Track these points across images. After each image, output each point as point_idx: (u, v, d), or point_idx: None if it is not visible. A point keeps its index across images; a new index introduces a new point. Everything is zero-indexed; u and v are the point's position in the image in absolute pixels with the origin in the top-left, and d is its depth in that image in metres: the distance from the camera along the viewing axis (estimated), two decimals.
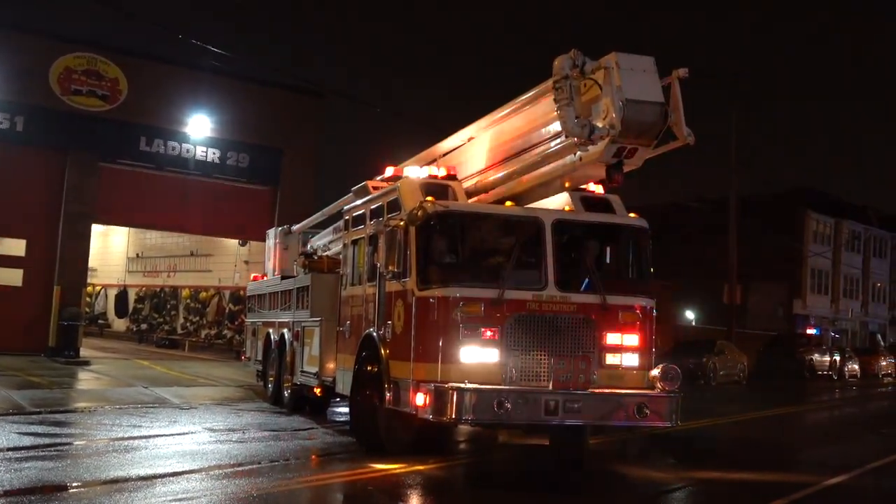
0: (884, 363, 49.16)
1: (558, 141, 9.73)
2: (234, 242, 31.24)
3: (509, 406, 9.55)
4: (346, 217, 13.40)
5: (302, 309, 14.95)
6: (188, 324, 35.35)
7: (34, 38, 25.38)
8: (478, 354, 9.89)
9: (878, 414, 24.31)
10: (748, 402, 25.77)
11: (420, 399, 9.87)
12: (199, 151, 27.32)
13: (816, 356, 41.86)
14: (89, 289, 34.71)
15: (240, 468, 10.17)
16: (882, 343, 60.70)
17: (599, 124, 8.95)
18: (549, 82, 9.36)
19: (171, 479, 9.32)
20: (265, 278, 19.28)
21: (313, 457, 11.73)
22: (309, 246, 17.53)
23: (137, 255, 38.48)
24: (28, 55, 24.72)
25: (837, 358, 43.20)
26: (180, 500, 8.33)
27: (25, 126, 24.63)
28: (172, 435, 12.57)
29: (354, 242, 12.77)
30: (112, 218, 29.11)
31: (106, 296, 40.84)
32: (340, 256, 13.86)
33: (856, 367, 44.82)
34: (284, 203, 28.45)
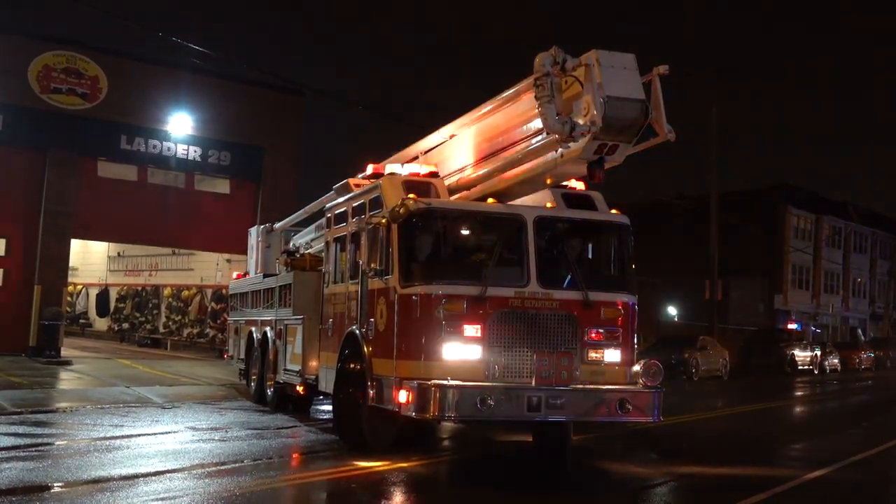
0: (864, 357, 49.52)
1: (539, 138, 9.75)
2: None
3: (492, 403, 9.57)
4: (329, 215, 13.37)
5: (284, 307, 14.92)
6: (170, 323, 35.24)
7: (12, 36, 25.18)
8: (460, 351, 9.89)
9: (858, 408, 24.48)
10: (730, 397, 25.89)
11: (403, 396, 9.87)
12: (181, 150, 27.21)
13: (797, 351, 42.09)
14: (70, 288, 34.51)
15: (222, 467, 10.14)
16: (862, 338, 61.13)
17: (580, 121, 8.97)
18: (530, 79, 9.38)
19: (154, 478, 9.29)
20: (247, 276, 19.23)
21: (296, 455, 11.73)
22: (291, 244, 17.50)
23: (119, 253, 38.31)
24: (6, 53, 24.54)
25: (818, 353, 43.46)
26: (162, 499, 8.30)
27: (4, 125, 24.48)
28: (155, 434, 12.53)
29: (337, 240, 12.75)
30: (91, 233, 28.83)
31: (87, 295, 40.65)
32: (322, 254, 13.84)
33: (836, 361, 45.11)
34: (266, 201, 28.38)
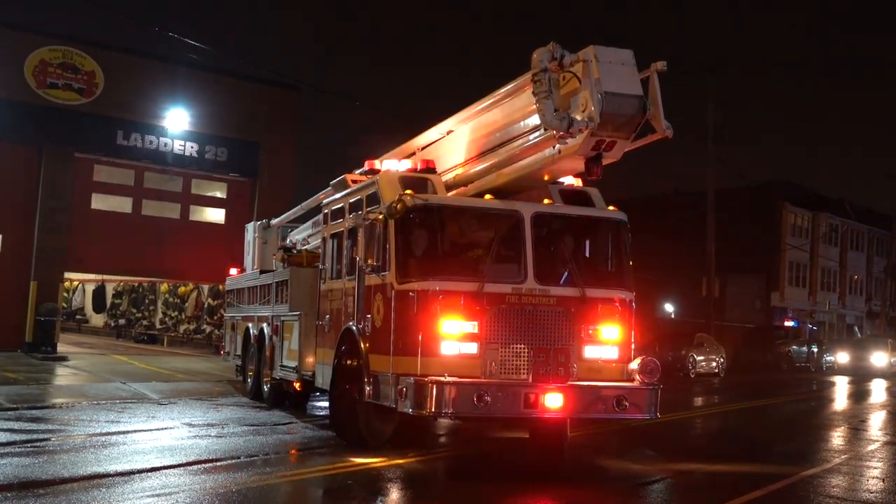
0: None
1: (537, 134, 9.73)
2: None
3: (489, 399, 9.55)
4: (325, 211, 13.35)
5: (281, 303, 14.89)
6: (167, 319, 35.21)
7: (8, 31, 25.14)
8: (457, 348, 9.86)
9: (853, 405, 24.51)
10: (726, 394, 25.93)
11: (400, 393, 9.85)
12: (177, 145, 27.18)
13: (794, 348, 42.15)
14: (66, 284, 34.47)
15: (219, 463, 10.12)
16: (859, 335, 61.16)
17: (578, 117, 8.95)
18: (528, 75, 9.35)
19: (150, 474, 9.27)
20: (244, 273, 19.20)
21: (293, 451, 11.71)
22: (288, 240, 17.50)
23: None
24: (2, 48, 24.51)
25: (815, 350, 43.52)
26: (158, 495, 8.28)
27: (0, 120, 24.41)
28: (151, 430, 12.52)
29: (333, 236, 12.73)
30: (85, 266, 28.76)
31: (83, 291, 40.62)
32: (319, 250, 13.82)
33: (833, 359, 45.14)
34: (263, 197, 28.35)
